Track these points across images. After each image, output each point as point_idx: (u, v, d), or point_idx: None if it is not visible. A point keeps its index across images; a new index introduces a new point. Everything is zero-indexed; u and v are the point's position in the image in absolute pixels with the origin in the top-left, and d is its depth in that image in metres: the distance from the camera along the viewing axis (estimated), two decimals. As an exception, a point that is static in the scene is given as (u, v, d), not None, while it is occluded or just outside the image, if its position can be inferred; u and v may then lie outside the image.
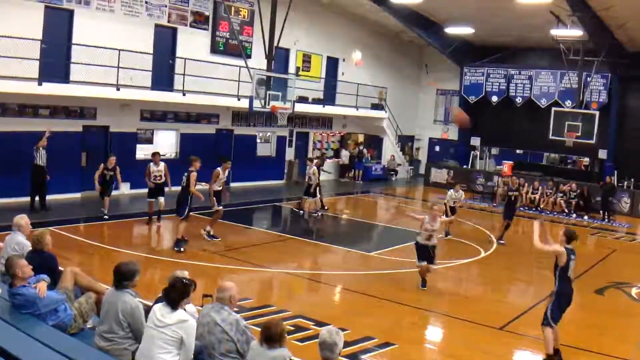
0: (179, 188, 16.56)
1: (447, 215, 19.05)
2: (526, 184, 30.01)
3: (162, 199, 18.66)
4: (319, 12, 31.28)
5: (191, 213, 16.72)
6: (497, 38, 34.34)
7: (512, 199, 20.61)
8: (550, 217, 27.27)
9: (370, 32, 35.28)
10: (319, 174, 22.88)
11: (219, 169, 17.26)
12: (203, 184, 16.95)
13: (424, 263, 14.16)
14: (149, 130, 24.58)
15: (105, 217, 18.73)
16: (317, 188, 22.77)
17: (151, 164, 18.60)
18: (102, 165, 18.79)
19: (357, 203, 26.96)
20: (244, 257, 15.70)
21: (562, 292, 10.29)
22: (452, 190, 20.62)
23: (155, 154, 18.96)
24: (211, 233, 17.37)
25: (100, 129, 22.57)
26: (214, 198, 17.19)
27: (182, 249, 15.83)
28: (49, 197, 19.43)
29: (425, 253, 14.22)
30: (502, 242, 20.33)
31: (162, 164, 18.63)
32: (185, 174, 16.38)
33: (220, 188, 17.40)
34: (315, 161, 23.87)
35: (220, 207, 17.39)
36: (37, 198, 19.16)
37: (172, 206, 17.35)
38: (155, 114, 24.24)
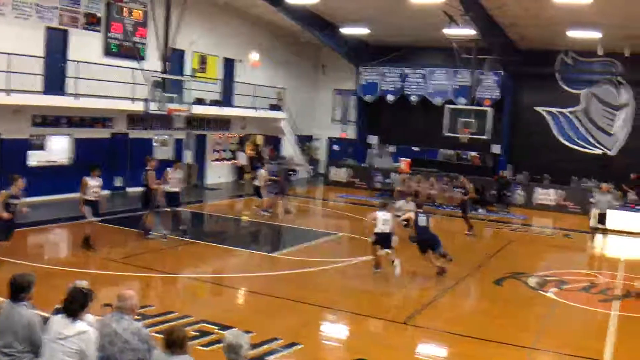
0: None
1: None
2: (421, 180, 30.56)
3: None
4: (215, 13, 31.02)
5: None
6: (392, 38, 34.80)
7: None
8: (448, 212, 27.84)
9: (267, 33, 35.23)
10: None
11: (169, 169, 18.50)
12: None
13: None
14: (42, 136, 23.83)
15: None
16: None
17: (88, 177, 16.59)
18: (4, 192, 14.03)
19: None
20: (144, 264, 15.42)
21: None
22: (402, 200, 20.79)
23: (95, 168, 16.88)
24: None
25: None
26: (163, 199, 18.27)
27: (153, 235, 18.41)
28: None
29: None
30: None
31: (99, 179, 16.84)
32: (143, 173, 18.30)
33: (177, 189, 18.65)
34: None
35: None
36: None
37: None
38: (47, 119, 23.50)
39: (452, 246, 21.29)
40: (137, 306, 7.19)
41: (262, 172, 23.30)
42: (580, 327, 13.07)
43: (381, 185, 33.72)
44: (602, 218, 21.81)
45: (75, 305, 6.43)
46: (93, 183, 16.58)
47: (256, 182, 23.32)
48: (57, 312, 6.72)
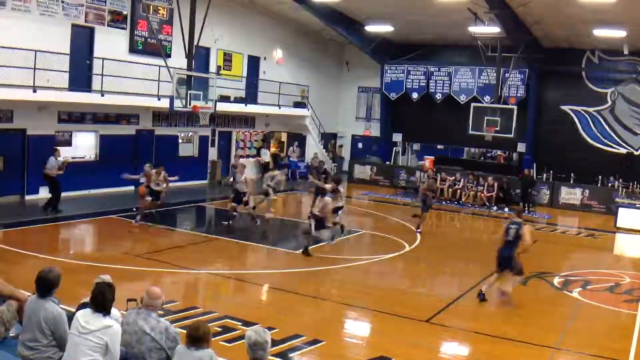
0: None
1: None
2: (447, 178, 30.44)
3: None
4: (239, 10, 31.11)
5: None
6: (417, 35, 34.72)
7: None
8: (471, 210, 27.75)
9: (291, 31, 35.29)
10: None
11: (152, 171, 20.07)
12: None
13: None
14: (68, 133, 24.01)
15: None
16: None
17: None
18: None
19: (282, 201, 26.92)
20: (169, 259, 15.49)
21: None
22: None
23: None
24: None
25: (17, 132, 21.96)
26: None
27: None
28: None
29: None
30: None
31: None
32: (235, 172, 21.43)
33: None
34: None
35: None
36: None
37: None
38: (73, 116, 23.68)
39: (476, 245, 21.32)
40: (163, 303, 7.26)
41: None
42: (605, 327, 12.96)
43: (405, 183, 33.65)
44: None
45: (105, 300, 6.48)
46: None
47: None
48: (82, 306, 6.76)
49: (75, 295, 8.25)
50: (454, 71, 35.40)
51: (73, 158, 23.29)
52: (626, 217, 24.89)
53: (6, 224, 18.04)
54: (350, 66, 40.61)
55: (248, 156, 33.59)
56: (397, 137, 37.26)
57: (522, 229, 13.57)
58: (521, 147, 33.73)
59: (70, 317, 6.69)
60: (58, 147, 21.26)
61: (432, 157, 34.11)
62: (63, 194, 20.82)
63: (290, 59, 35.56)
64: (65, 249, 17.07)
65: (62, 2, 22.77)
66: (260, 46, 33.44)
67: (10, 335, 7.49)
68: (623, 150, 32.05)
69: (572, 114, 33.36)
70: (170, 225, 20.11)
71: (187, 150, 29.72)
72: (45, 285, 6.83)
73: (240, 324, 10.98)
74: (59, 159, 20.51)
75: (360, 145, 40.68)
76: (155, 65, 24.26)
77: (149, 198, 19.81)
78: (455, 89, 35.30)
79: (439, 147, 37.94)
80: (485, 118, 29.82)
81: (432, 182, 22.59)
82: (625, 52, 30.05)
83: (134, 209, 20.18)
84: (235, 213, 20.75)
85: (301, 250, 17.22)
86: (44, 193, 21.95)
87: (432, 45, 35.90)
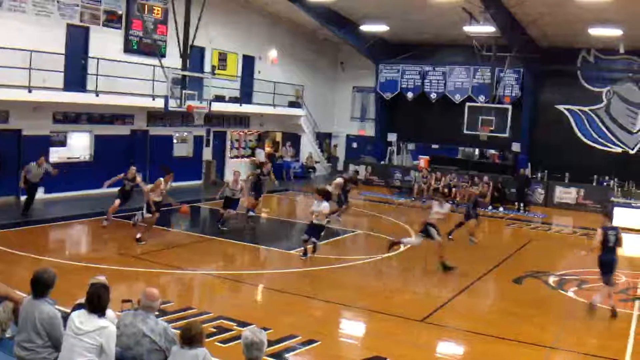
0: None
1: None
2: (443, 177, 30.44)
3: None
4: (234, 10, 31.07)
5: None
6: (412, 35, 34.72)
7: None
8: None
9: (286, 31, 35.27)
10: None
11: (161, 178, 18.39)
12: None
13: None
14: (62, 133, 23.95)
15: None
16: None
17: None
18: None
19: (277, 201, 26.90)
20: (163, 260, 15.47)
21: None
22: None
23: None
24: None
25: (13, 133, 21.88)
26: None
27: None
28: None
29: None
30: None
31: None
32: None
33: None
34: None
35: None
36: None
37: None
38: (68, 116, 23.63)
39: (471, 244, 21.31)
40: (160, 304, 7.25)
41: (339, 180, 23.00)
42: (601, 326, 12.97)
43: (400, 182, 33.65)
44: None
45: (100, 301, 6.47)
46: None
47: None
48: (77, 307, 6.74)
49: (71, 296, 8.22)
50: (449, 71, 35.41)
51: (68, 158, 23.23)
52: (621, 216, 24.91)
53: (1, 224, 18.00)
54: (345, 66, 40.59)
55: (243, 156, 33.60)
56: (392, 137, 37.23)
57: (620, 233, 13.52)
58: (516, 147, 33.73)
59: (66, 318, 6.67)
60: (43, 157, 20.34)
61: (427, 157, 34.09)
62: (58, 195, 20.87)
63: (285, 58, 35.54)
64: (60, 249, 17.02)
65: (58, 2, 22.74)
66: (255, 46, 33.42)
67: (7, 336, 7.47)
68: (618, 150, 32.08)
69: (567, 114, 33.40)
70: (165, 226, 20.05)
71: (181, 150, 29.67)
72: (40, 286, 6.80)
73: (235, 324, 10.97)
74: (42, 166, 19.94)
75: (355, 145, 40.66)
76: (150, 65, 24.25)
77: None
78: (450, 88, 35.30)
79: (433, 146, 37.90)
80: (480, 117, 29.88)
81: (485, 188, 21.45)
82: (621, 50, 30.07)
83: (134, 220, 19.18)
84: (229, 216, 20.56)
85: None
86: (39, 194, 21.93)
87: (427, 44, 35.88)
